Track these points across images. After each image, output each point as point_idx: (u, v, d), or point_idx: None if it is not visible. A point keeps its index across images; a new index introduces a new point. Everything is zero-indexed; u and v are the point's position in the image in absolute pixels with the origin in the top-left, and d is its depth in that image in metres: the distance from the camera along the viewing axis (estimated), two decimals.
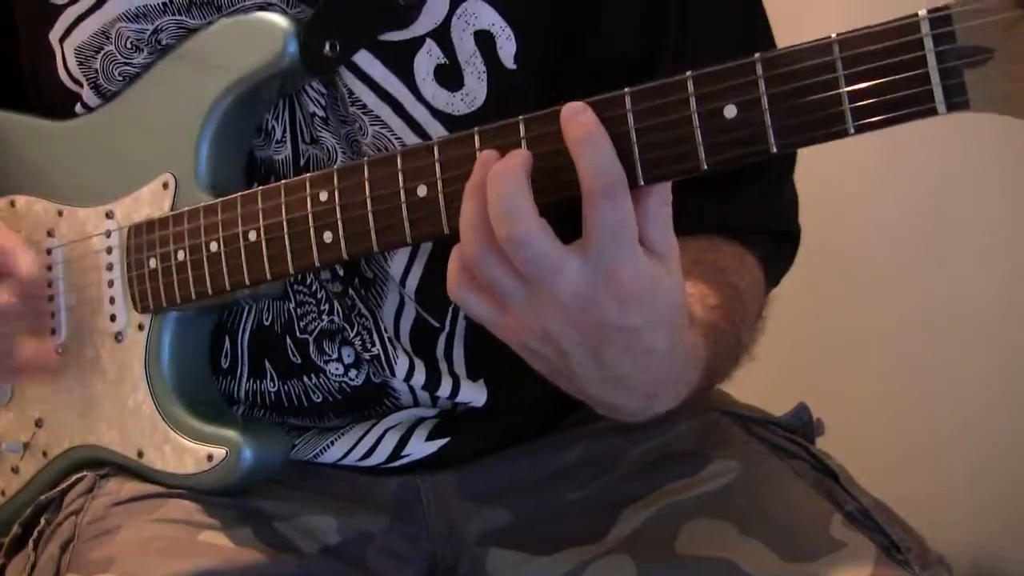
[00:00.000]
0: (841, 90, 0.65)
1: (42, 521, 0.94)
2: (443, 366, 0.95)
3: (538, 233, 0.69)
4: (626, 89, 0.71)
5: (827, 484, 0.90)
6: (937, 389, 1.32)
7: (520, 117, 0.74)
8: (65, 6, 0.96)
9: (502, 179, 0.70)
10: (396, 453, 0.96)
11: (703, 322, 0.82)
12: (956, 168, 1.22)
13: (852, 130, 0.65)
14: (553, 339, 0.73)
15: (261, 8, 0.91)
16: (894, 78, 0.64)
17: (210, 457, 0.91)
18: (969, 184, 1.25)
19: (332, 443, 0.97)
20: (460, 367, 0.96)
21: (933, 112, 0.63)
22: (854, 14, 1.25)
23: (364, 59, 0.90)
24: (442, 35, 0.89)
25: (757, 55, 0.68)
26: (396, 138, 0.90)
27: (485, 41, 0.89)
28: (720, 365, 0.86)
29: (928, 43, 0.63)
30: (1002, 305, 1.22)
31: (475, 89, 0.89)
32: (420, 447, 0.97)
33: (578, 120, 0.70)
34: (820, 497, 0.89)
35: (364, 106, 0.90)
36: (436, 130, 0.90)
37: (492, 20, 0.88)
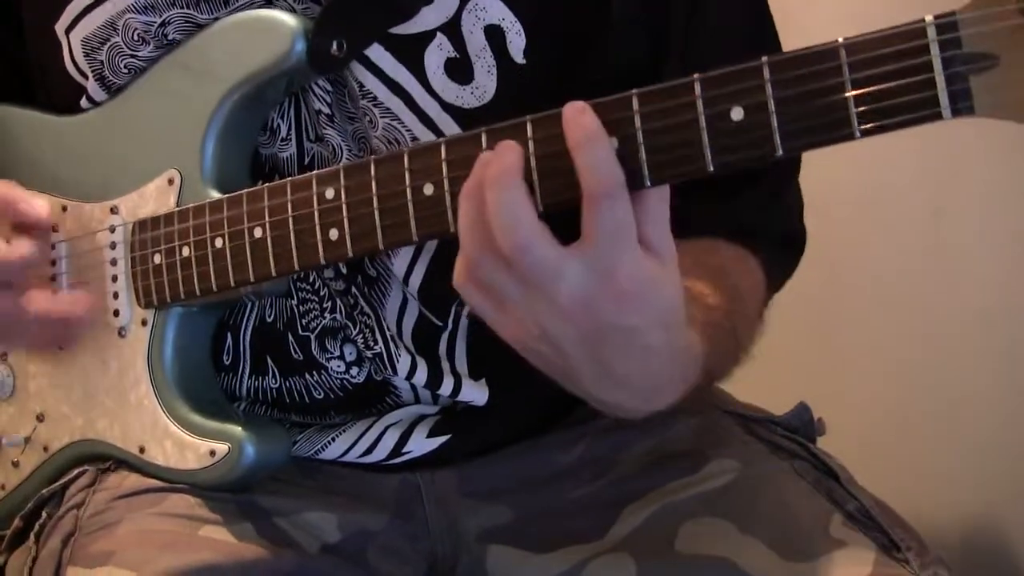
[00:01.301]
0: (847, 94, 0.66)
1: (43, 515, 0.94)
2: (445, 364, 0.96)
3: (539, 240, 0.69)
4: (633, 91, 0.72)
5: (827, 484, 0.91)
6: (937, 389, 1.32)
7: (527, 117, 0.74)
8: None
9: (499, 185, 0.70)
10: (397, 450, 0.97)
11: (701, 320, 0.82)
12: (957, 167, 1.23)
13: (858, 134, 0.66)
14: (552, 339, 0.73)
15: (268, 3, 0.91)
16: (900, 83, 0.64)
17: (212, 453, 0.91)
18: (970, 182, 1.25)
19: (333, 439, 0.98)
20: (462, 366, 0.96)
21: (938, 117, 0.64)
22: (854, 11, 1.26)
23: (375, 52, 0.90)
24: (453, 29, 0.89)
25: (764, 58, 0.68)
26: (407, 131, 0.91)
27: (495, 35, 0.89)
28: (719, 363, 0.87)
29: (934, 48, 0.63)
30: (1003, 304, 1.23)
31: (485, 83, 0.90)
32: (421, 444, 0.97)
33: (578, 121, 0.70)
34: (820, 496, 0.89)
35: (375, 99, 0.91)
36: (446, 123, 0.90)
37: (502, 15, 0.89)
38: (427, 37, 0.89)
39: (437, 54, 0.90)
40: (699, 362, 0.81)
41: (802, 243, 1.01)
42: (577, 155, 0.70)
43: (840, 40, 0.66)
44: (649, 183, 0.71)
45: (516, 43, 0.89)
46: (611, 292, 0.70)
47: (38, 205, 0.94)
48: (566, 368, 0.75)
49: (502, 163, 0.71)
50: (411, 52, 0.90)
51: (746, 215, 0.95)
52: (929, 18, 0.64)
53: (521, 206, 0.70)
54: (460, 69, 0.90)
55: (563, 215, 0.72)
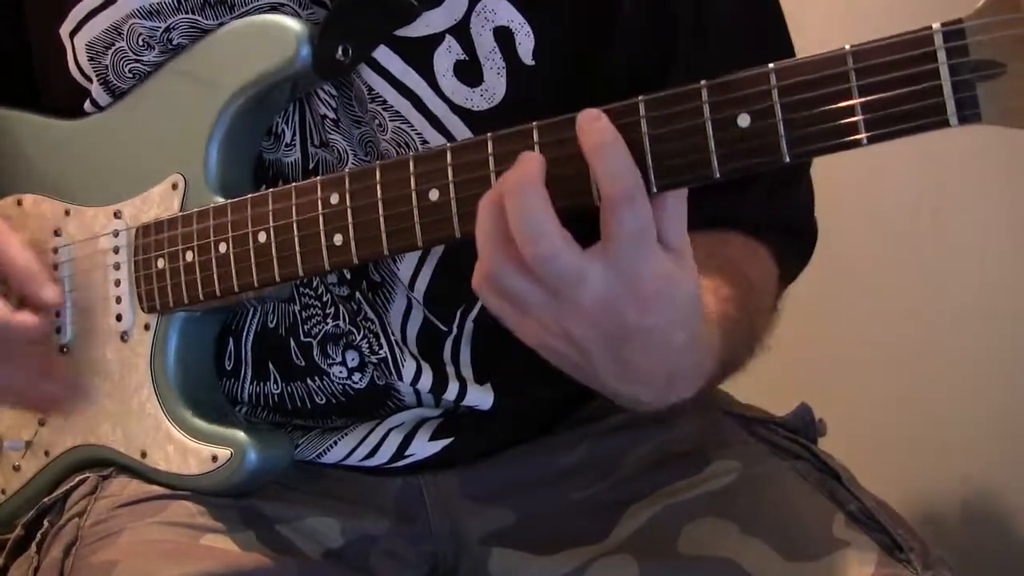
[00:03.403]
0: (854, 101, 0.66)
1: (45, 523, 0.93)
2: (450, 369, 0.96)
3: (563, 248, 0.70)
4: (640, 97, 0.72)
5: (829, 484, 0.91)
6: (938, 389, 1.33)
7: (534, 123, 0.75)
8: (76, 1, 0.95)
9: (522, 194, 0.70)
10: (400, 453, 0.97)
11: (716, 312, 0.83)
12: (954, 166, 1.23)
13: (865, 141, 0.66)
14: (574, 340, 0.73)
15: (273, 9, 0.91)
16: (907, 90, 0.65)
17: (214, 458, 0.91)
18: (970, 181, 1.25)
19: (335, 443, 0.98)
20: (467, 371, 0.96)
21: (945, 124, 0.64)
22: (853, 11, 1.26)
23: (383, 55, 0.90)
24: (461, 31, 0.89)
25: (771, 65, 0.69)
26: (416, 134, 0.91)
27: (504, 37, 0.89)
28: (734, 354, 0.87)
29: (941, 56, 0.64)
30: (1003, 304, 1.23)
31: (494, 85, 0.90)
32: (424, 447, 0.97)
33: (594, 127, 0.71)
34: (822, 497, 0.90)
35: (384, 102, 0.91)
36: (456, 126, 0.90)
37: (511, 16, 0.89)
38: (436, 40, 0.90)
39: (446, 56, 0.90)
40: (715, 353, 0.81)
41: (813, 236, 1.01)
42: (594, 161, 0.71)
43: (847, 47, 0.67)
44: (655, 188, 0.72)
45: (525, 45, 0.89)
46: (634, 294, 0.71)
47: (49, 290, 0.93)
48: (588, 366, 0.76)
49: (524, 171, 0.71)
50: (420, 55, 0.90)
51: (756, 207, 0.95)
52: (936, 25, 0.64)
53: (544, 215, 0.70)
54: (469, 71, 0.90)
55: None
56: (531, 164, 0.71)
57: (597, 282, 0.70)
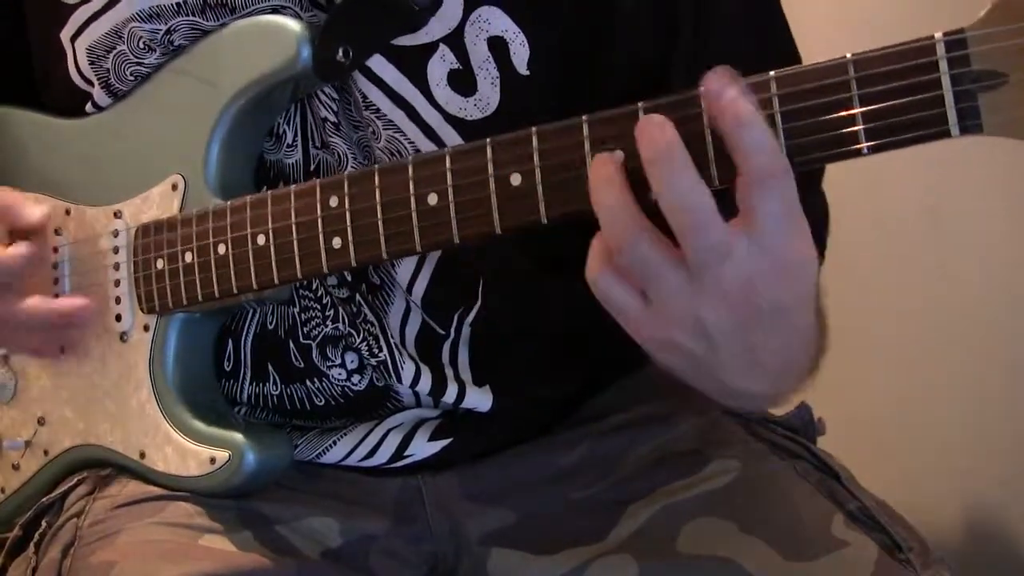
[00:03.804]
0: (855, 110, 0.66)
1: (43, 524, 0.94)
2: (449, 372, 0.96)
3: (715, 219, 0.67)
4: (639, 103, 0.71)
5: (829, 484, 0.91)
6: (938, 388, 1.33)
7: (533, 128, 0.75)
8: (77, 5, 0.95)
9: (671, 161, 0.67)
10: (399, 453, 0.97)
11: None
12: (957, 165, 1.23)
13: (866, 150, 0.66)
14: (705, 330, 0.70)
15: (275, 11, 0.91)
16: (908, 100, 0.65)
17: (213, 460, 0.91)
18: (970, 181, 1.25)
19: (334, 443, 0.98)
20: (466, 373, 0.96)
21: (946, 135, 0.64)
22: (852, 12, 1.26)
23: (378, 64, 0.90)
24: (456, 40, 0.89)
25: (771, 73, 0.68)
26: (409, 143, 0.91)
27: (499, 47, 0.89)
28: (821, 350, 0.84)
29: (943, 66, 0.64)
30: (1003, 303, 1.23)
31: (488, 95, 0.89)
32: (423, 447, 0.97)
33: (739, 105, 0.67)
34: (822, 496, 0.90)
35: (378, 111, 0.90)
36: (449, 135, 0.90)
37: (505, 26, 0.89)
38: (430, 49, 0.89)
39: (440, 66, 0.89)
40: (816, 345, 0.80)
41: (822, 248, 0.98)
42: (743, 136, 0.67)
43: (848, 55, 0.66)
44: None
45: (520, 54, 0.89)
46: (776, 272, 0.69)
47: (34, 210, 0.94)
48: (713, 361, 0.73)
49: (663, 138, 0.67)
50: (414, 64, 0.89)
51: None
52: (938, 35, 0.64)
53: (698, 184, 0.67)
54: (463, 81, 0.89)
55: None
56: (667, 130, 0.68)
57: (743, 260, 0.68)
